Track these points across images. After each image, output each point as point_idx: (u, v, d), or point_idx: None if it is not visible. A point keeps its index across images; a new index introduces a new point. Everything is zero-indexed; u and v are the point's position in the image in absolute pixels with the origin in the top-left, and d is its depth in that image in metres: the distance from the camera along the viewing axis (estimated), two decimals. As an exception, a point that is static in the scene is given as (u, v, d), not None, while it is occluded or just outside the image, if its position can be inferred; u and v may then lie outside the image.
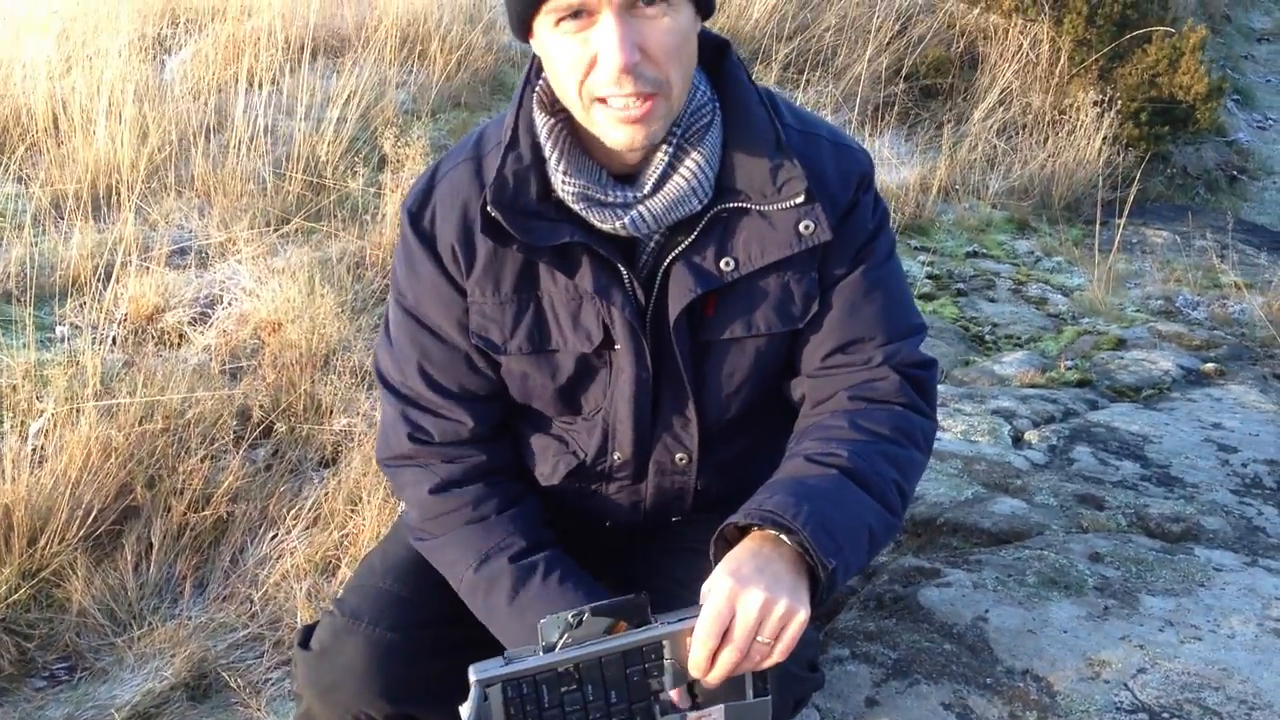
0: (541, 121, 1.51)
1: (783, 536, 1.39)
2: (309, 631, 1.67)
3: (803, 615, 1.35)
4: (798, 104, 1.63)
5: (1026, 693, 1.99)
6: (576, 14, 1.35)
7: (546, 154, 1.50)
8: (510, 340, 1.59)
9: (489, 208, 1.49)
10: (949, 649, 2.11)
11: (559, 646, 1.32)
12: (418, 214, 1.60)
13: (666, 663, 1.34)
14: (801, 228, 1.52)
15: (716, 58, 1.56)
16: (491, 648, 1.37)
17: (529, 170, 1.51)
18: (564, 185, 1.49)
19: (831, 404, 1.63)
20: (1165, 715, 1.94)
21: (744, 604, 1.33)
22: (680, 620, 1.34)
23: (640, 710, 1.35)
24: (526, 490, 1.72)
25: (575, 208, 1.50)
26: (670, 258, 1.53)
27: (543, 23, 1.39)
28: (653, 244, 1.55)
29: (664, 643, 1.33)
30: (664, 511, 1.77)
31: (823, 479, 1.48)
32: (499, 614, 1.60)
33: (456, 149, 1.65)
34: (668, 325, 1.56)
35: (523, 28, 1.43)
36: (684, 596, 1.64)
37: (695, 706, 1.37)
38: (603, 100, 1.39)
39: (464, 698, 1.30)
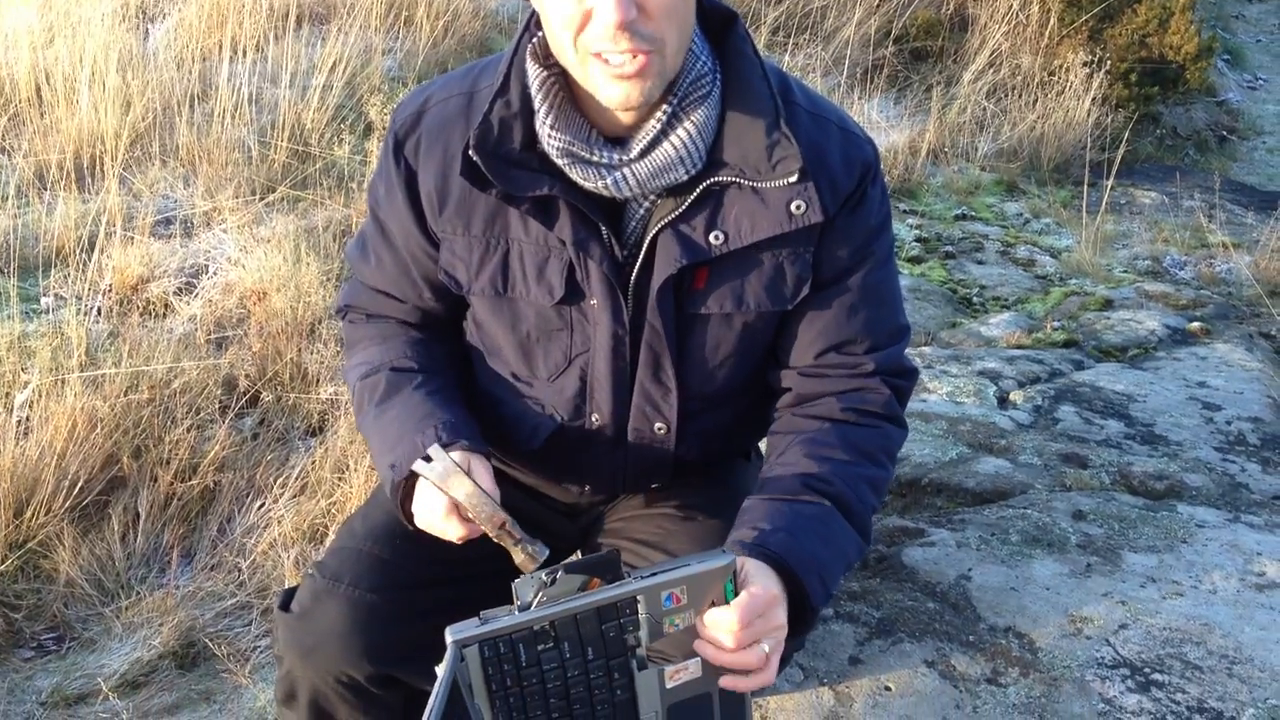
0: (534, 73, 1.50)
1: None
2: (290, 594, 1.68)
3: (781, 651, 1.39)
4: (796, 76, 1.62)
5: (1009, 649, 2.00)
6: None
7: (536, 106, 1.49)
8: (475, 281, 1.61)
9: (471, 152, 1.49)
10: (932, 607, 2.12)
11: (534, 605, 1.32)
12: (403, 140, 1.61)
13: (642, 618, 1.34)
14: (793, 207, 1.51)
15: (723, 29, 1.55)
16: (471, 610, 1.38)
17: (515, 118, 1.50)
18: (550, 139, 1.48)
19: (821, 408, 1.64)
20: (1147, 670, 1.95)
21: (774, 611, 1.36)
22: (653, 575, 1.34)
23: (617, 665, 1.36)
24: (444, 353, 1.76)
25: (559, 162, 1.49)
26: (659, 226, 1.52)
27: None
28: (642, 210, 1.55)
29: (638, 598, 1.33)
30: (644, 478, 1.77)
31: (817, 511, 1.52)
32: (367, 419, 1.66)
33: (455, 75, 1.64)
34: (651, 292, 1.55)
35: None
36: (653, 560, 1.66)
37: (670, 660, 1.38)
38: (598, 56, 1.38)
39: (442, 659, 1.31)
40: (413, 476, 1.52)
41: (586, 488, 1.80)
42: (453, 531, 1.49)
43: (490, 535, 1.47)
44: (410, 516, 1.55)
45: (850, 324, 1.62)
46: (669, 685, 1.38)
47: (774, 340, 1.67)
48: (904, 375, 1.69)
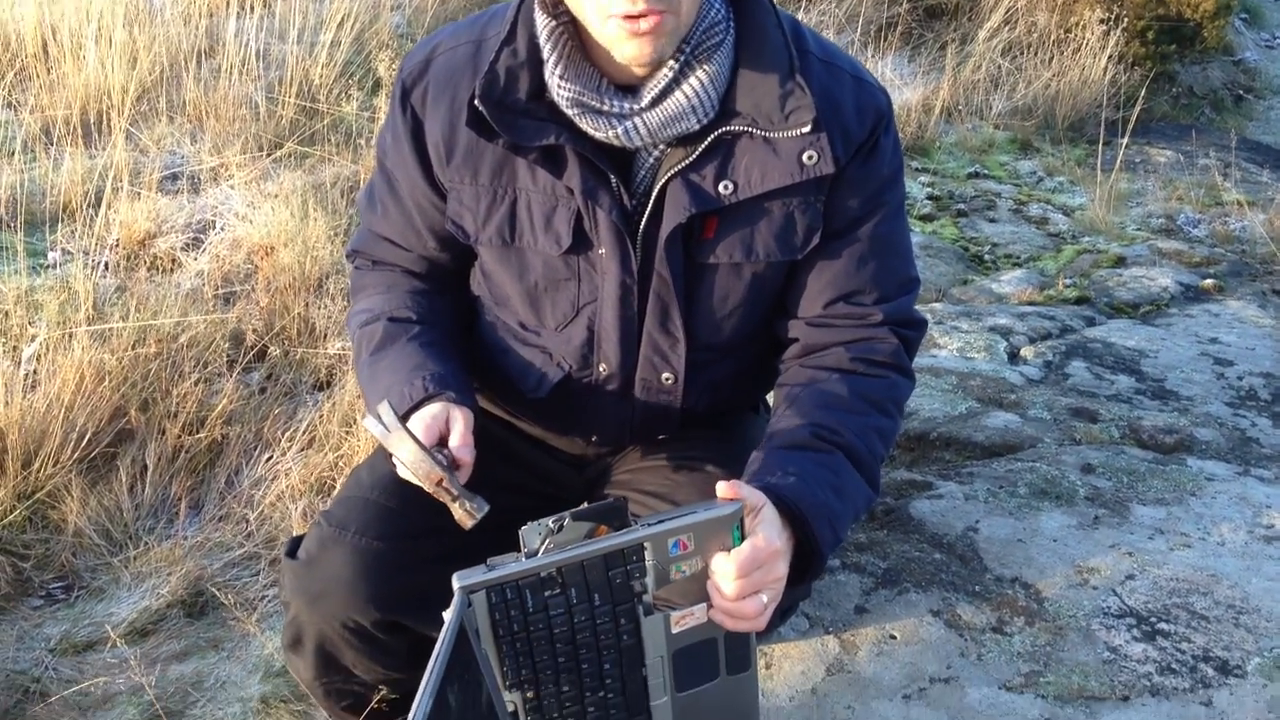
0: (542, 23, 1.49)
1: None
2: (297, 542, 1.68)
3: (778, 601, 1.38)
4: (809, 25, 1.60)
5: (1015, 599, 2.00)
6: None
7: (545, 56, 1.48)
8: (482, 230, 1.60)
9: (477, 101, 1.48)
10: (939, 558, 2.12)
11: (540, 552, 1.32)
12: (410, 89, 1.61)
13: (648, 564, 1.34)
14: (805, 157, 1.50)
15: None
16: (477, 557, 1.38)
17: (522, 68, 1.49)
18: (559, 89, 1.47)
19: (830, 359, 1.63)
20: (1153, 619, 1.95)
21: (774, 564, 1.35)
22: (660, 523, 1.34)
23: (624, 612, 1.36)
24: (445, 305, 1.76)
25: (569, 112, 1.48)
26: (668, 175, 1.51)
27: None
28: (651, 159, 1.54)
29: (645, 545, 1.33)
30: (651, 429, 1.77)
31: (828, 460, 1.51)
32: (362, 367, 1.68)
33: (464, 24, 1.63)
34: (659, 242, 1.54)
35: None
36: (660, 510, 1.66)
37: (676, 607, 1.38)
38: (615, 15, 1.37)
39: (449, 605, 1.31)
40: None
41: (594, 438, 1.80)
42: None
43: (429, 491, 1.46)
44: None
45: (859, 274, 1.61)
46: (674, 631, 1.39)
47: (783, 290, 1.66)
48: (912, 326, 1.68)
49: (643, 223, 1.55)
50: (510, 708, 1.37)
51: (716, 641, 1.41)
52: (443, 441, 1.52)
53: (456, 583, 1.30)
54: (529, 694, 1.37)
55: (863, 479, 1.55)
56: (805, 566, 1.44)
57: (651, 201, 1.53)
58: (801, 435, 1.54)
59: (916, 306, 1.71)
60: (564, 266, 1.60)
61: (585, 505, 1.36)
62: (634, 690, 1.41)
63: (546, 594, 1.33)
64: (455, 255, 1.73)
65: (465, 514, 1.46)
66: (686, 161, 1.50)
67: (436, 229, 1.68)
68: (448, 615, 1.29)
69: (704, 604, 1.38)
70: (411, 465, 1.45)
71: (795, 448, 1.53)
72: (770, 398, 2.02)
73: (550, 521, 1.33)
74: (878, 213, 1.60)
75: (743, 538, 1.34)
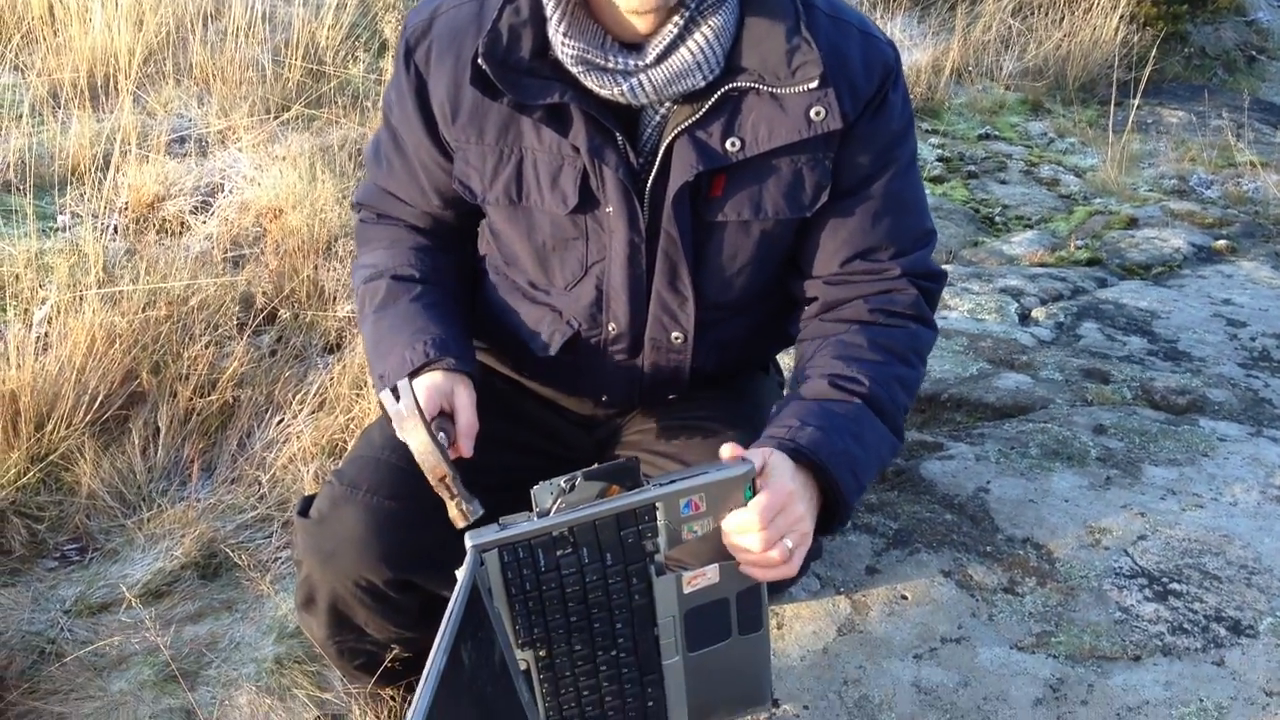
0: None
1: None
2: (309, 501, 1.68)
3: (810, 544, 1.38)
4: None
5: (1026, 560, 2.00)
6: None
7: (548, 13, 1.47)
8: (489, 190, 1.60)
9: (480, 60, 1.47)
10: (950, 519, 2.12)
11: (552, 511, 1.32)
12: (414, 47, 1.59)
13: (660, 524, 1.34)
14: (812, 114, 1.49)
15: None
16: (489, 518, 1.38)
17: (525, 26, 1.48)
18: (563, 47, 1.46)
19: (849, 312, 1.62)
20: (1165, 580, 1.95)
21: (791, 509, 1.34)
22: (672, 483, 1.33)
23: (636, 571, 1.36)
24: (449, 263, 1.77)
25: (573, 70, 1.47)
26: (675, 132, 1.50)
27: None
28: (658, 117, 1.52)
29: (657, 505, 1.33)
30: (660, 389, 1.76)
31: (848, 409, 1.51)
32: (366, 323, 1.69)
33: None
34: (667, 200, 1.53)
35: None
36: (671, 471, 1.66)
37: (688, 567, 1.38)
38: None
39: (461, 564, 1.31)
40: None
41: (603, 398, 1.79)
42: None
43: (431, 484, 1.47)
44: None
45: (875, 231, 1.60)
46: (686, 591, 1.39)
47: (795, 249, 1.65)
48: (932, 278, 1.67)
49: (650, 181, 1.54)
50: (522, 665, 1.38)
51: (728, 601, 1.41)
52: (444, 415, 1.53)
53: (469, 541, 1.31)
54: (541, 652, 1.38)
55: (886, 427, 1.54)
56: (831, 516, 1.44)
57: (658, 159, 1.52)
58: (821, 386, 1.54)
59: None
60: (571, 225, 1.60)
61: (597, 465, 1.36)
62: (646, 650, 1.41)
63: (559, 553, 1.33)
64: (460, 213, 1.73)
65: (460, 514, 1.48)
66: (693, 119, 1.49)
67: (442, 189, 1.68)
68: (460, 574, 1.29)
69: (716, 565, 1.38)
70: (419, 455, 1.46)
71: (814, 399, 1.52)
72: (781, 359, 2.02)
73: (562, 481, 1.33)
74: (889, 169, 1.59)
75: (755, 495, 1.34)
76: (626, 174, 1.52)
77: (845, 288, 1.63)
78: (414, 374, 1.55)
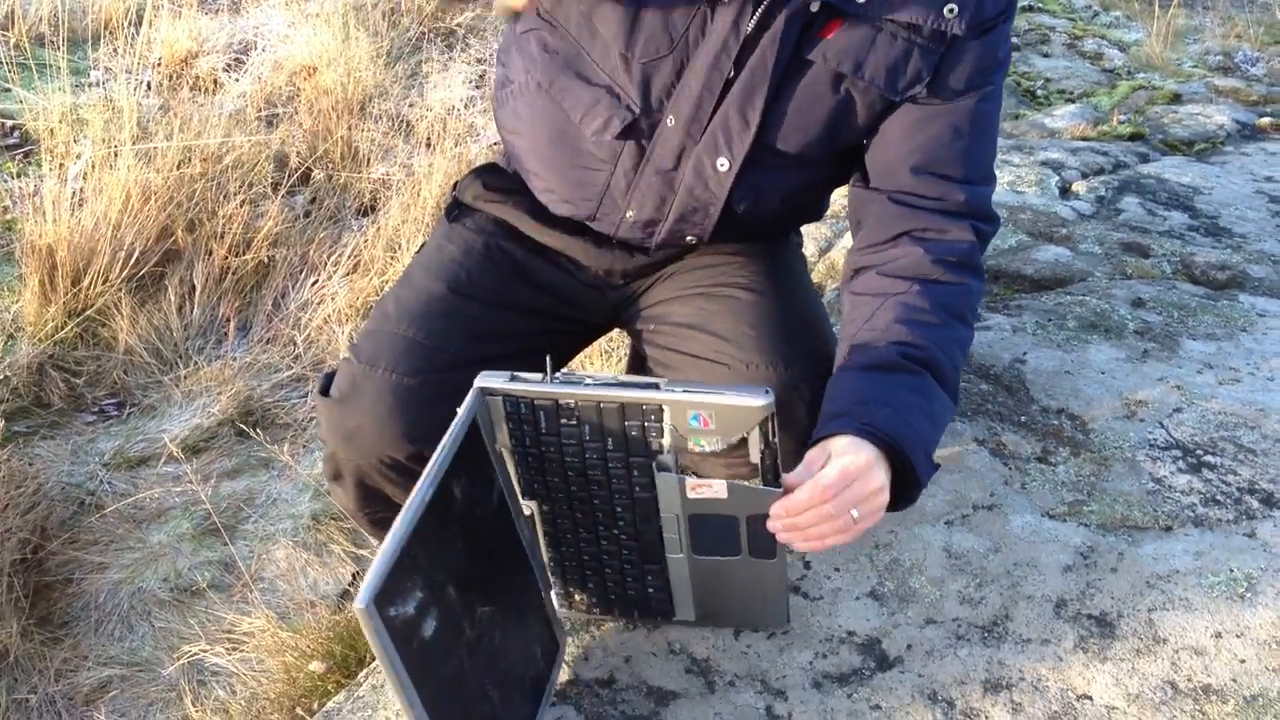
0: None
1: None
2: (329, 378, 1.68)
3: (880, 519, 1.37)
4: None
5: (1060, 429, 2.00)
6: None
7: None
8: None
9: None
10: (985, 389, 2.11)
11: (562, 379, 1.33)
12: None
13: (666, 427, 1.33)
14: (946, 9, 1.48)
15: None
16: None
17: None
18: None
19: (907, 264, 1.58)
20: (1199, 452, 1.95)
21: (867, 479, 1.34)
22: (685, 391, 1.32)
23: (638, 464, 1.36)
24: None
25: None
26: None
27: None
28: None
29: (664, 407, 1.33)
30: (686, 220, 1.71)
31: (918, 384, 1.48)
32: None
33: None
34: (779, 19, 1.50)
35: None
36: (696, 343, 1.64)
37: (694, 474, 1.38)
38: None
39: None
40: None
41: (628, 214, 1.74)
42: None
43: None
44: None
45: (951, 147, 1.57)
46: (690, 495, 1.39)
47: (869, 145, 1.62)
48: (989, 220, 1.64)
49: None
50: (527, 511, 1.41)
51: (737, 521, 1.40)
52: None
53: (478, 382, 1.32)
54: (545, 507, 1.40)
55: (947, 395, 1.53)
56: (900, 495, 1.42)
57: None
58: (890, 356, 1.51)
59: None
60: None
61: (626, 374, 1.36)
62: (649, 540, 1.43)
63: (562, 421, 1.34)
64: None
65: None
66: None
67: None
68: (461, 410, 1.30)
69: (724, 481, 1.37)
70: None
71: (884, 369, 1.50)
72: (805, 230, 1.98)
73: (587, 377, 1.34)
74: (983, 89, 1.57)
75: (770, 435, 1.33)
76: None
77: (905, 213, 1.60)
78: None
